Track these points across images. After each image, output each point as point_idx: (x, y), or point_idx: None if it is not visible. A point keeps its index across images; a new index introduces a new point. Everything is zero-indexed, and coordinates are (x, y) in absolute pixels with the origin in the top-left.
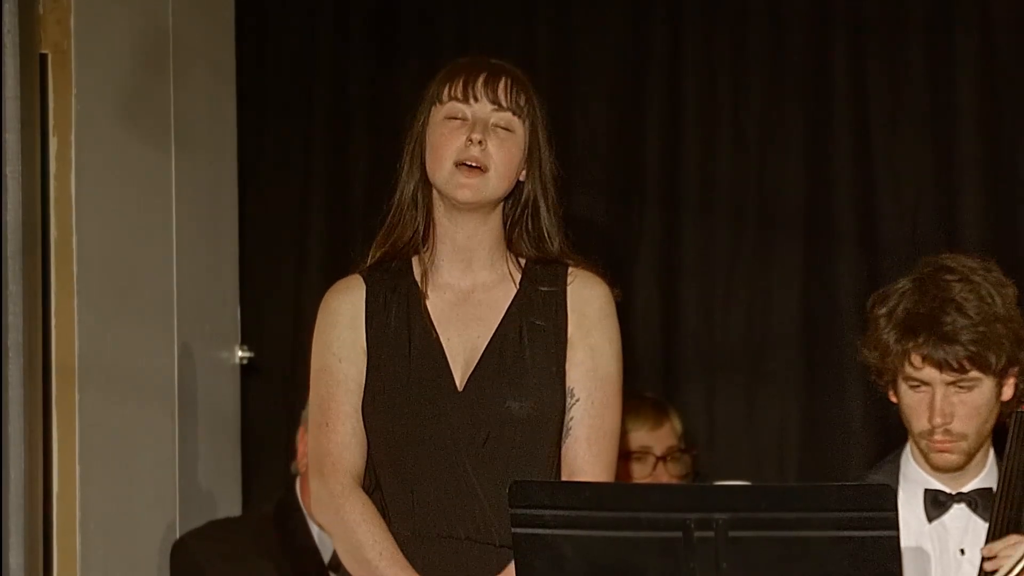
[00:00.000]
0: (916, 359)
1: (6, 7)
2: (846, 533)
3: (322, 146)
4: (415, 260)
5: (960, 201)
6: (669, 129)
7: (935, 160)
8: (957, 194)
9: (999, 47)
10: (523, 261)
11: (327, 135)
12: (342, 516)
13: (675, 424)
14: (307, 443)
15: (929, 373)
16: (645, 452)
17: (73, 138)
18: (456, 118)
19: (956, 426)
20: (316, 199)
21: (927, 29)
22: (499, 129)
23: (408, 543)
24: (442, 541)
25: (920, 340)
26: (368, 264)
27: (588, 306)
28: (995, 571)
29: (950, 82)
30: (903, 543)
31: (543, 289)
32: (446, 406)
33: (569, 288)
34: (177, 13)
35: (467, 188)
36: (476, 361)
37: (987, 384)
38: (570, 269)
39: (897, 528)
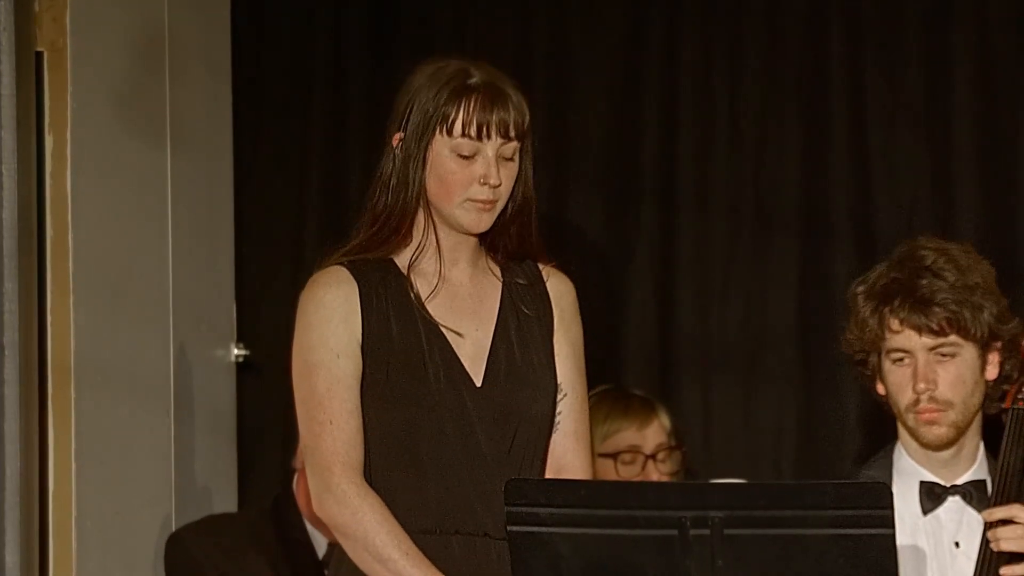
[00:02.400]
0: (894, 323)
1: (2, 5)
2: (842, 531)
3: (318, 145)
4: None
5: (957, 198)
6: (665, 127)
7: (932, 157)
8: (954, 191)
9: (996, 44)
10: (495, 256)
11: (323, 133)
12: (361, 517)
13: (663, 420)
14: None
15: (909, 338)
16: (634, 451)
17: (69, 136)
18: (466, 156)
19: (941, 392)
20: (312, 197)
21: (924, 26)
22: (505, 160)
23: (418, 539)
24: (462, 538)
25: (896, 303)
26: (345, 256)
27: (564, 301)
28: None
29: (947, 80)
30: (898, 539)
31: (520, 282)
32: (466, 402)
33: (548, 283)
34: (173, 11)
35: (483, 221)
36: (486, 357)
37: (969, 352)
38: (541, 266)
39: (893, 526)
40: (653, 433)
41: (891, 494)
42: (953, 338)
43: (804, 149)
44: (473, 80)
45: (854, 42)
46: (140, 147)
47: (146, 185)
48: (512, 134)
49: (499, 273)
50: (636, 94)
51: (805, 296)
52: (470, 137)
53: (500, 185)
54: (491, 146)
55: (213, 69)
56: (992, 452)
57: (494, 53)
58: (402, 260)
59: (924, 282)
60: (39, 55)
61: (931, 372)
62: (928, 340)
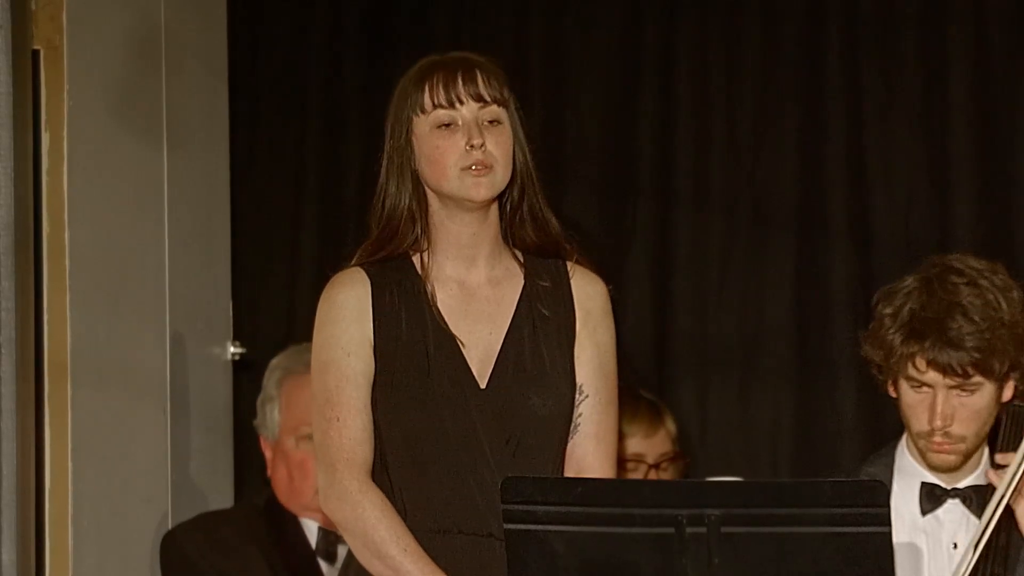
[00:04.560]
0: (920, 363)
1: None
2: (839, 529)
3: (315, 142)
4: (413, 255)
5: (953, 196)
6: (662, 125)
7: (928, 156)
8: (950, 190)
9: (992, 42)
10: (519, 254)
11: (320, 131)
12: (361, 513)
13: (670, 428)
14: (274, 447)
15: (932, 377)
16: (638, 460)
17: (65, 134)
18: (446, 125)
19: (956, 429)
20: (309, 195)
21: (920, 24)
22: (490, 124)
23: (424, 538)
24: (467, 538)
25: (926, 344)
26: (361, 258)
27: (592, 302)
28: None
29: (943, 78)
30: (896, 536)
31: (543, 284)
32: (470, 403)
33: (572, 283)
34: (170, 8)
35: (482, 186)
36: (494, 358)
37: (989, 388)
38: (568, 264)
39: (890, 524)
40: (659, 442)
41: (888, 492)
42: (976, 379)
43: (801, 147)
44: (438, 60)
45: (850, 40)
46: (136, 145)
47: (142, 183)
48: (487, 97)
49: (522, 274)
50: (633, 93)
51: (802, 294)
52: (442, 106)
53: (486, 145)
54: (467, 109)
55: (209, 67)
56: (993, 450)
57: (491, 51)
58: (418, 261)
59: (954, 324)
60: (36, 53)
61: (948, 408)
62: (950, 380)
